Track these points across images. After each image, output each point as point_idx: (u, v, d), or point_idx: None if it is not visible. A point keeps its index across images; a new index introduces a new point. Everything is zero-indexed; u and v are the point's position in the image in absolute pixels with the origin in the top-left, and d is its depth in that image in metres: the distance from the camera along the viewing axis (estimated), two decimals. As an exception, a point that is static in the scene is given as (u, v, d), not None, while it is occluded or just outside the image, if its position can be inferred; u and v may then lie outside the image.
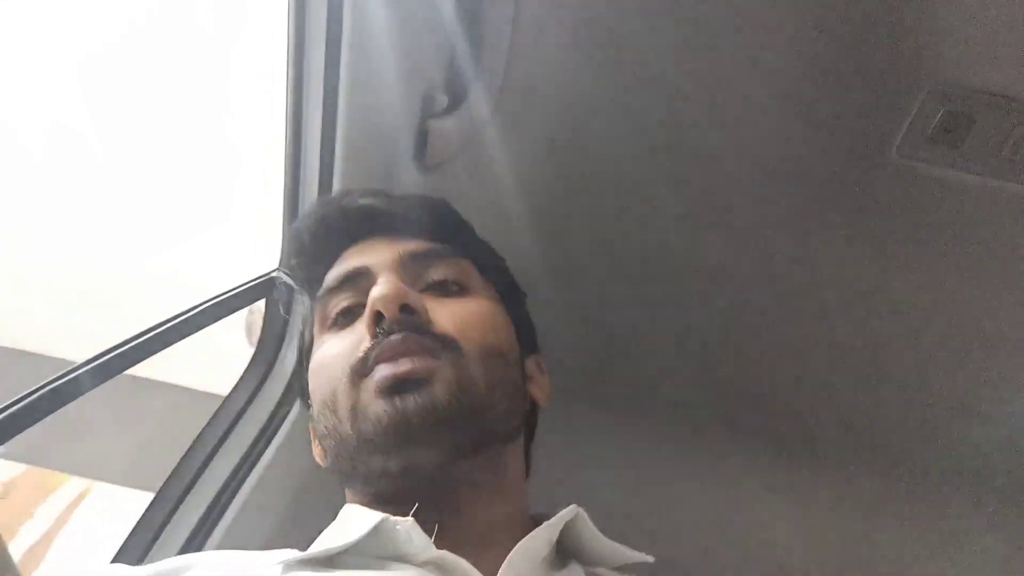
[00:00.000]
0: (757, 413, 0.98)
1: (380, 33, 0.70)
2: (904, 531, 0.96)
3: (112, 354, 0.62)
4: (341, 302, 0.59)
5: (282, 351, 0.86)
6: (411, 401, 0.49)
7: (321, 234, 0.64)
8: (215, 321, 0.75)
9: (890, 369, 0.90)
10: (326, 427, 0.55)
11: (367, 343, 0.53)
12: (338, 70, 0.71)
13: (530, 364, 0.64)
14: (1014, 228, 0.76)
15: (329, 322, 0.60)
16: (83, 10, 1.81)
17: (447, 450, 0.50)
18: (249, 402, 0.82)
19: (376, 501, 0.53)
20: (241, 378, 0.85)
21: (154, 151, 2.10)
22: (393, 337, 0.51)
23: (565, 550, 0.54)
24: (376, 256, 0.60)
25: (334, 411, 0.54)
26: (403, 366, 0.50)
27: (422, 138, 0.79)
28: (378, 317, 0.53)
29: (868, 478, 0.98)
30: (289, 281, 0.68)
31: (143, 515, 0.72)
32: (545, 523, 0.51)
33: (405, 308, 0.53)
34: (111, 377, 0.62)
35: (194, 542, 0.72)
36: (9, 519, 2.47)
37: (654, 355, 0.97)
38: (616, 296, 0.93)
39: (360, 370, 0.52)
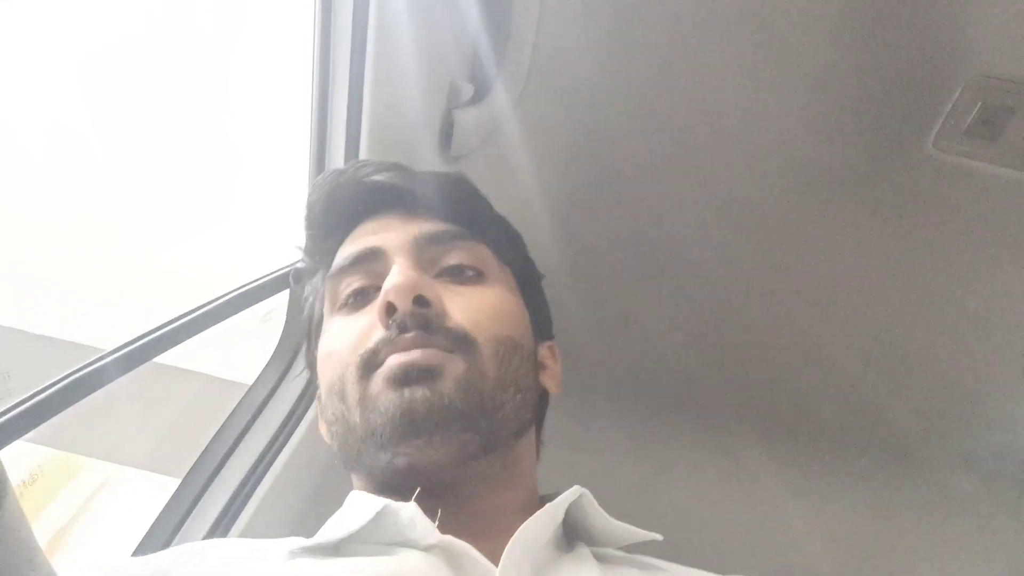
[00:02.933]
0: (772, 407, 0.97)
1: (405, 22, 0.69)
2: (918, 527, 0.95)
3: (140, 342, 0.63)
4: (353, 283, 0.58)
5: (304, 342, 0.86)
6: (419, 392, 0.48)
7: (333, 207, 0.62)
8: (240, 311, 0.76)
9: (915, 366, 0.89)
10: (334, 413, 0.54)
11: (379, 334, 0.52)
12: (364, 58, 0.71)
13: (543, 351, 0.63)
14: (1053, 224, 0.74)
15: (339, 303, 0.58)
16: (83, 10, 1.82)
17: (454, 451, 0.49)
18: (273, 391, 0.83)
19: (380, 490, 0.53)
20: (265, 368, 0.86)
21: (163, 149, 2.12)
22: (406, 336, 0.51)
23: (573, 531, 0.54)
24: (391, 236, 0.58)
25: (342, 399, 0.53)
26: (413, 355, 0.50)
27: (447, 128, 0.79)
28: (391, 308, 0.52)
29: (883, 473, 0.97)
30: (302, 252, 0.67)
31: (167, 503, 0.73)
32: (548, 505, 0.50)
33: (419, 300, 0.52)
34: (138, 365, 0.63)
35: (218, 530, 0.72)
36: (36, 503, 2.52)
37: (671, 348, 0.96)
38: (634, 290, 0.92)
39: (371, 361, 0.51)
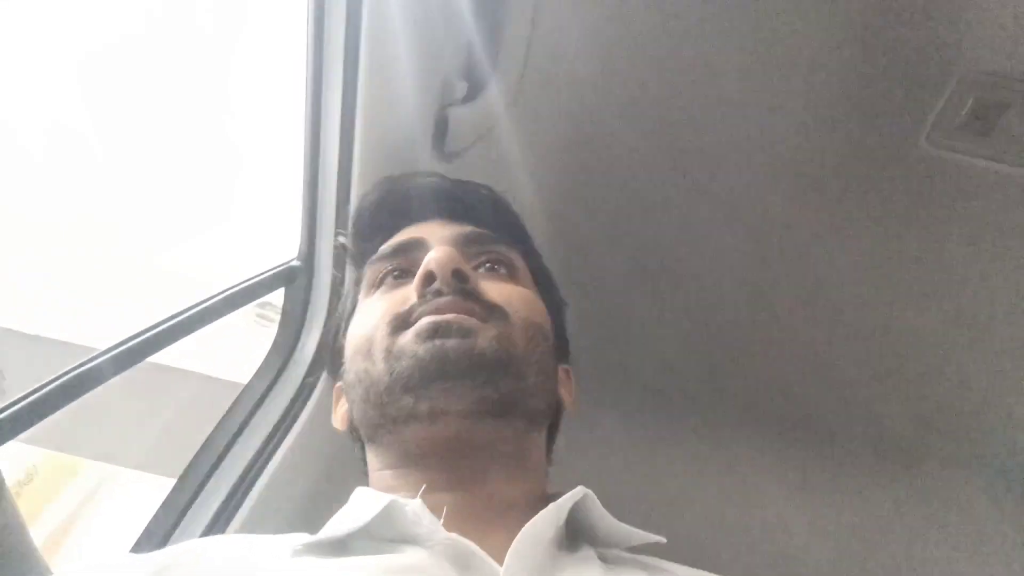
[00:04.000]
0: (773, 406, 0.97)
1: (399, 20, 0.70)
2: (916, 525, 0.96)
3: (135, 341, 0.63)
4: (390, 266, 0.60)
5: (301, 339, 0.86)
6: (452, 343, 0.50)
7: (382, 210, 0.66)
8: (235, 310, 0.76)
9: (910, 363, 0.89)
10: (356, 373, 0.55)
11: (414, 300, 0.54)
12: (357, 56, 0.71)
13: (560, 372, 0.63)
14: (1045, 218, 0.75)
15: (375, 284, 0.61)
16: (83, 10, 1.81)
17: (474, 401, 0.50)
18: (269, 389, 0.83)
19: (398, 464, 0.53)
20: (261, 366, 0.85)
21: (162, 149, 2.12)
22: (442, 299, 0.52)
23: (577, 532, 0.54)
24: (433, 233, 0.61)
25: (368, 355, 0.54)
26: (448, 316, 0.51)
27: (441, 126, 0.79)
28: (429, 278, 0.53)
29: (882, 473, 0.97)
30: (346, 245, 0.69)
31: (165, 500, 0.73)
32: (552, 504, 0.50)
33: (457, 274, 0.54)
34: (134, 364, 0.63)
35: (215, 527, 0.72)
36: (32, 503, 2.51)
37: (667, 347, 0.96)
38: (629, 287, 0.92)
39: (404, 320, 0.53)
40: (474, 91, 0.78)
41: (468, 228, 0.62)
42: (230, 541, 0.51)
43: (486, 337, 0.51)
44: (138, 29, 1.85)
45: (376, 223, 0.66)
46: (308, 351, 0.85)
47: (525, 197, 0.85)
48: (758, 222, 0.83)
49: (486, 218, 0.64)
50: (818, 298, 0.87)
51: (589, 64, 0.75)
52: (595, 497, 0.53)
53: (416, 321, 0.52)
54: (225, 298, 0.74)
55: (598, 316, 0.95)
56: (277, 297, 0.87)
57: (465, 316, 0.52)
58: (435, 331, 0.51)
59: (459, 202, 0.65)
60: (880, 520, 0.97)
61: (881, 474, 0.97)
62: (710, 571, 0.53)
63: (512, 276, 0.61)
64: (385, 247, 0.62)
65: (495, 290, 0.56)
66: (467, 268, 0.55)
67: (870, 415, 0.95)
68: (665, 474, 0.99)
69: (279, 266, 0.83)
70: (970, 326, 0.85)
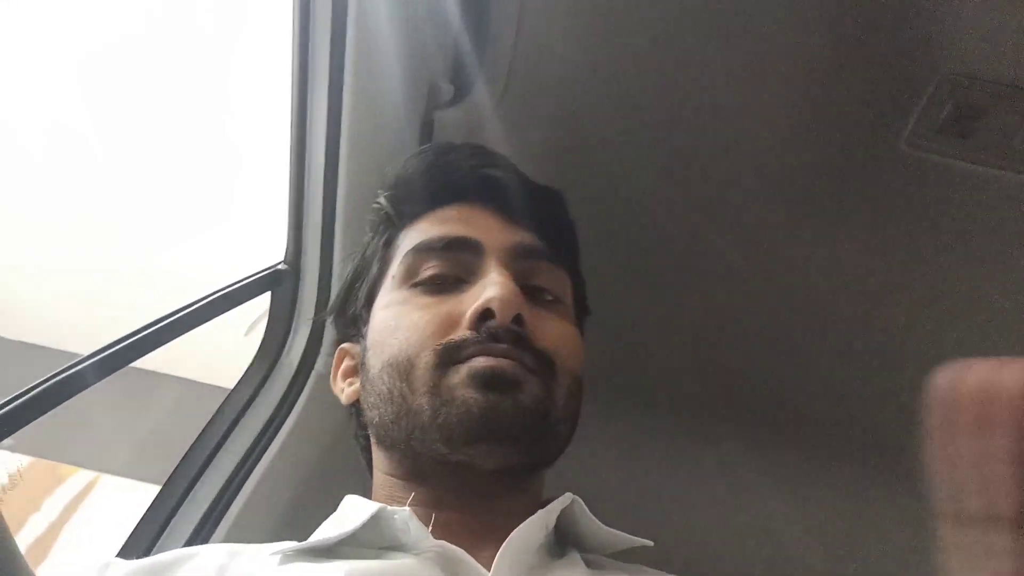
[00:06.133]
0: (763, 409, 0.98)
1: (385, 23, 0.69)
2: (910, 527, 0.96)
3: (118, 346, 0.62)
4: (437, 267, 0.56)
5: (287, 344, 0.86)
6: (504, 401, 0.48)
7: (433, 179, 0.61)
8: (220, 314, 0.75)
9: (898, 364, 0.90)
10: (389, 389, 0.52)
11: (466, 333, 0.51)
12: (343, 59, 0.71)
13: None
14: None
15: (415, 280, 0.56)
16: (83, 10, 1.80)
17: (506, 465, 0.50)
18: (255, 395, 0.82)
19: (407, 476, 0.53)
20: (247, 371, 0.85)
21: (156, 149, 2.11)
22: (498, 345, 0.50)
23: (564, 538, 0.54)
24: (488, 234, 0.57)
25: (406, 379, 0.51)
26: (503, 362, 0.49)
27: (428, 129, 0.79)
28: (488, 314, 0.51)
29: (874, 475, 0.97)
30: (384, 205, 0.64)
31: (149, 507, 0.72)
32: (540, 511, 0.51)
33: (518, 318, 0.52)
34: (117, 369, 0.62)
35: (200, 534, 0.72)
36: (16, 510, 2.49)
37: (657, 350, 0.96)
38: (618, 289, 0.92)
39: (453, 355, 0.50)
40: (460, 94, 0.78)
41: (526, 237, 0.59)
42: (215, 550, 0.50)
43: (530, 393, 0.50)
44: (138, 29, 1.84)
45: (424, 188, 0.61)
46: (295, 356, 0.84)
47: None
48: (744, 224, 0.83)
49: (543, 225, 0.61)
50: (806, 299, 0.88)
51: (575, 66, 0.76)
52: (583, 503, 0.53)
53: (468, 358, 0.50)
54: (209, 303, 0.73)
55: (588, 318, 0.95)
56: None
57: (517, 364, 0.50)
58: (489, 382, 0.49)
59: (519, 200, 0.60)
60: (871, 521, 0.97)
61: (874, 476, 0.98)
62: (701, 575, 0.54)
63: (556, 303, 0.59)
64: (435, 238, 0.57)
65: (544, 331, 0.54)
66: (526, 311, 0.53)
67: (862, 417, 0.95)
68: (657, 477, 0.99)
69: (265, 270, 0.83)
70: (958, 327, 0.86)
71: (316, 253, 0.81)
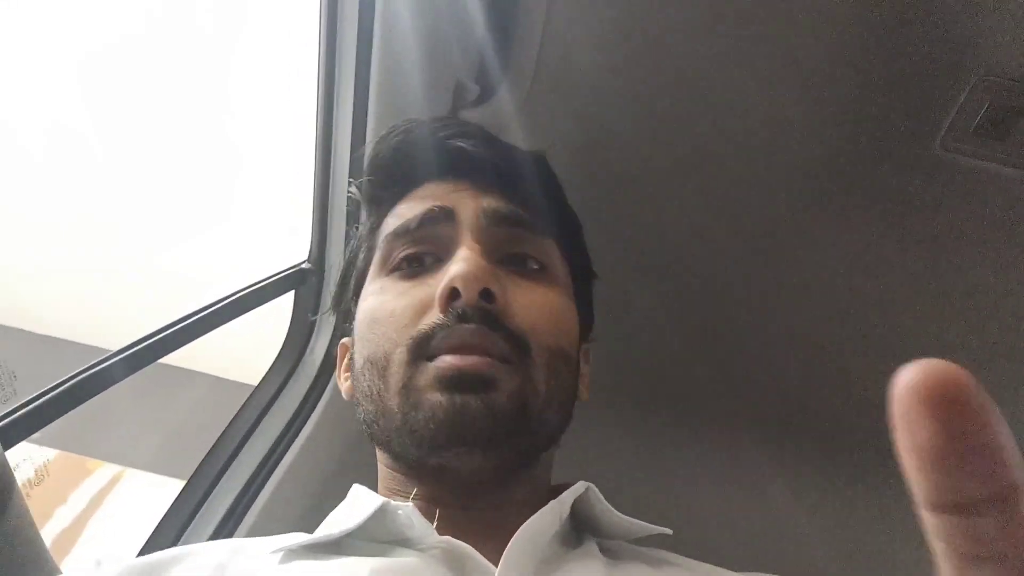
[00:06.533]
0: (777, 404, 0.97)
1: (411, 23, 0.69)
2: (920, 525, 0.95)
3: (146, 343, 0.63)
4: (412, 247, 0.55)
5: (311, 342, 0.86)
6: (473, 402, 0.46)
7: (403, 158, 0.59)
8: (245, 312, 0.76)
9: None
10: (370, 388, 0.51)
11: (435, 317, 0.49)
12: (369, 59, 0.71)
13: (581, 355, 0.61)
14: (1061, 224, 0.74)
15: (391, 265, 0.55)
16: (83, 10, 1.82)
17: (491, 465, 0.48)
18: (279, 392, 0.83)
19: (406, 472, 0.52)
20: (271, 368, 0.86)
21: (163, 149, 2.13)
22: (466, 326, 0.48)
23: (581, 526, 0.53)
24: (460, 202, 0.55)
25: (383, 377, 0.50)
26: (470, 361, 0.47)
27: (453, 129, 0.79)
28: (455, 294, 0.49)
29: (885, 471, 0.96)
30: (356, 194, 0.63)
31: (174, 502, 0.73)
32: (552, 501, 0.49)
33: (485, 293, 0.49)
34: (145, 366, 0.63)
35: (224, 529, 0.72)
36: (43, 504, 2.53)
37: (673, 346, 0.96)
38: (637, 288, 0.92)
39: (423, 349, 0.49)
40: (486, 94, 0.78)
41: (502, 204, 0.56)
42: (215, 547, 0.49)
43: (506, 391, 0.47)
44: (138, 29, 1.85)
45: (397, 170, 0.59)
46: (318, 354, 0.85)
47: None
48: (769, 226, 0.82)
49: (525, 192, 0.57)
50: (827, 301, 0.87)
51: (600, 68, 0.75)
52: (597, 491, 0.52)
53: (437, 353, 0.48)
54: (235, 300, 0.74)
55: (604, 314, 0.94)
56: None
57: (487, 361, 0.47)
58: (456, 383, 0.47)
59: (495, 167, 0.57)
60: (881, 517, 0.96)
61: (889, 475, 0.97)
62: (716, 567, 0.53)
63: (542, 271, 0.56)
64: (407, 219, 0.55)
65: (523, 305, 0.52)
66: (495, 284, 0.50)
67: (879, 416, 0.94)
68: (668, 471, 0.99)
69: (289, 268, 0.83)
70: (983, 331, 0.84)
71: (340, 252, 0.82)
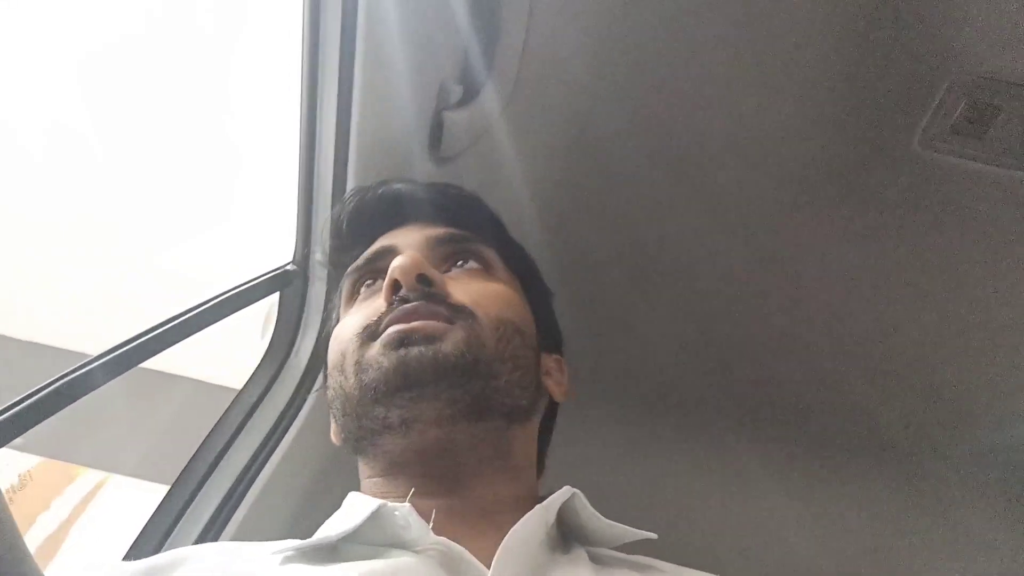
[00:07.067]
0: (770, 407, 0.97)
1: (395, 23, 0.69)
2: (912, 527, 0.96)
3: (127, 347, 0.62)
4: (366, 277, 0.62)
5: (296, 344, 0.86)
6: (415, 351, 0.50)
7: (356, 221, 0.66)
8: (230, 314, 0.75)
9: (907, 366, 0.89)
10: (334, 388, 0.56)
11: (383, 310, 0.54)
12: (353, 59, 0.71)
13: (549, 360, 0.63)
14: (1038, 221, 0.75)
15: (350, 296, 0.62)
16: (83, 10, 1.81)
17: (443, 406, 0.50)
18: (263, 395, 0.82)
19: (386, 472, 0.53)
20: (255, 371, 0.85)
21: (163, 149, 2.12)
22: (408, 305, 0.52)
23: (568, 533, 0.54)
24: (404, 238, 0.62)
25: (341, 369, 0.55)
26: (413, 324, 0.51)
27: (437, 130, 0.79)
28: (396, 286, 0.54)
29: (877, 474, 0.97)
30: (324, 263, 0.71)
31: (158, 507, 0.72)
32: (538, 506, 0.50)
33: (422, 278, 0.54)
34: (127, 370, 0.62)
35: (210, 533, 0.72)
36: (26, 510, 2.50)
37: (663, 348, 0.96)
38: (626, 290, 0.92)
39: (372, 331, 0.53)
40: (469, 95, 0.78)
41: (440, 230, 0.62)
42: (216, 549, 0.50)
43: (452, 341, 0.51)
44: (138, 29, 1.84)
45: (354, 233, 0.66)
46: (303, 356, 0.84)
47: (520, 200, 0.85)
48: (754, 225, 0.83)
49: (460, 218, 0.65)
50: (815, 300, 0.88)
51: (583, 68, 0.75)
52: (583, 497, 0.53)
53: (384, 330, 0.52)
54: (218, 303, 0.73)
55: (593, 317, 0.95)
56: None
57: (431, 322, 0.52)
58: (400, 341, 0.51)
59: (431, 205, 0.65)
60: (873, 520, 0.97)
61: (880, 477, 0.97)
62: (703, 571, 0.53)
63: (487, 272, 0.61)
64: (360, 258, 0.63)
65: (464, 289, 0.56)
66: (431, 271, 0.55)
67: (869, 418, 0.95)
68: (661, 475, 0.99)
69: (274, 270, 0.83)
70: (967, 328, 0.85)
71: (325, 252, 0.81)
